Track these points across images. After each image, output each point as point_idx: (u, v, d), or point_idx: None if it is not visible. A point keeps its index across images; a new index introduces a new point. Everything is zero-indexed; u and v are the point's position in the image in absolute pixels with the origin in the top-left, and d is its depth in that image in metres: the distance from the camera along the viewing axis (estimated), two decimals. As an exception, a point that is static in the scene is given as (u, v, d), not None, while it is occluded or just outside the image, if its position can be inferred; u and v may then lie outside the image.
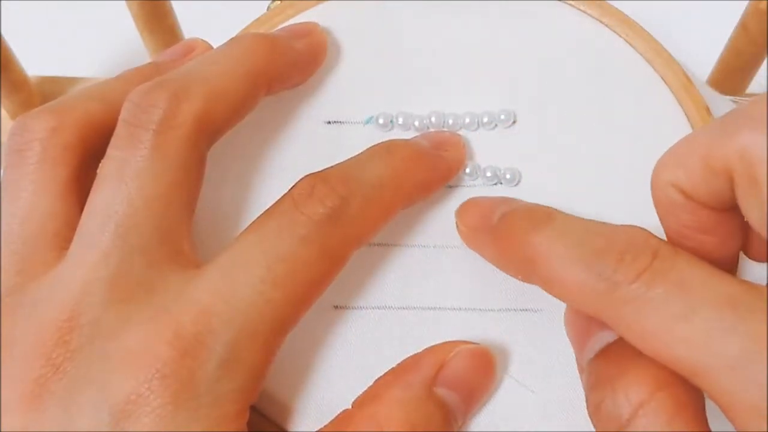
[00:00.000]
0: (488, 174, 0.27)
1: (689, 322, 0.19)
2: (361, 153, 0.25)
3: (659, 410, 0.19)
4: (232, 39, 0.27)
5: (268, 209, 0.23)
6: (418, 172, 0.25)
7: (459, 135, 0.27)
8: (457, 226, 0.26)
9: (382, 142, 0.26)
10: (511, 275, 0.24)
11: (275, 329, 0.22)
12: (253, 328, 0.21)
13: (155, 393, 0.20)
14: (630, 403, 0.20)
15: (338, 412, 0.23)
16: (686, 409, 0.20)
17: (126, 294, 0.22)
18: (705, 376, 0.19)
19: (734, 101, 0.31)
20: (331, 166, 0.24)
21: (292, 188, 0.23)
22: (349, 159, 0.25)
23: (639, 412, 0.20)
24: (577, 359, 0.22)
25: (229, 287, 0.21)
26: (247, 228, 0.23)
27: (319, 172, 0.24)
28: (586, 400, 0.21)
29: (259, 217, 0.23)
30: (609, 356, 0.21)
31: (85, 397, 0.20)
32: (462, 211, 0.25)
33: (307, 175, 0.24)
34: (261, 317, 0.21)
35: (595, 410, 0.21)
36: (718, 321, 0.18)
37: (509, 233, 0.23)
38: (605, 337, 0.21)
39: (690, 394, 0.20)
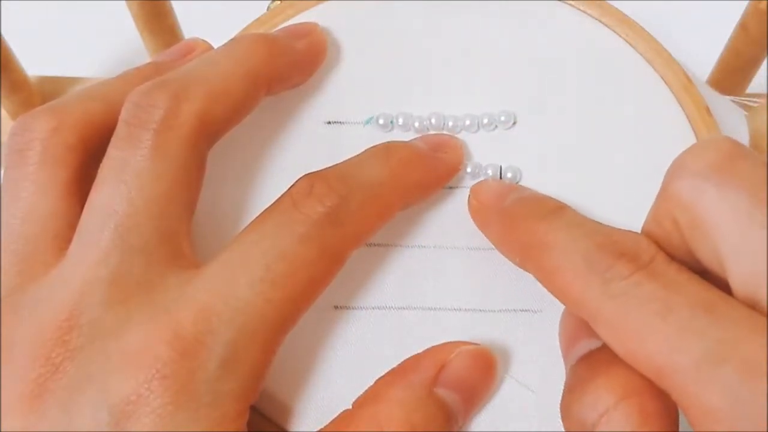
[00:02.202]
0: (489, 172, 0.27)
1: (665, 320, 0.19)
2: (360, 153, 0.25)
3: (624, 419, 0.20)
4: (232, 39, 0.27)
5: (267, 209, 0.23)
6: (417, 173, 0.25)
7: (457, 138, 0.27)
8: (469, 201, 0.26)
9: (381, 144, 0.26)
10: (508, 257, 0.24)
11: (275, 329, 0.22)
12: (252, 328, 0.21)
13: (155, 393, 0.20)
14: (596, 409, 0.20)
15: (338, 412, 0.23)
16: (653, 419, 0.20)
17: (126, 294, 0.22)
18: (671, 376, 0.19)
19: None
20: (330, 166, 0.24)
21: (290, 188, 0.23)
22: (348, 159, 0.25)
23: (603, 419, 0.20)
24: (564, 365, 0.23)
25: (229, 287, 0.21)
26: (246, 227, 0.23)
27: (317, 171, 0.24)
28: (560, 402, 0.22)
29: (258, 217, 0.23)
30: (587, 361, 0.22)
31: (85, 397, 0.20)
32: (478, 187, 0.26)
33: (306, 175, 0.24)
34: (261, 317, 0.21)
35: (565, 412, 0.21)
36: (691, 322, 0.19)
37: (517, 216, 0.23)
38: (589, 345, 0.22)
39: (660, 405, 0.20)
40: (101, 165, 0.23)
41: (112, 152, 0.23)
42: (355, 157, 0.25)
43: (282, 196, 0.23)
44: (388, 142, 0.26)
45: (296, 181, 0.23)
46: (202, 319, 0.21)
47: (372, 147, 0.25)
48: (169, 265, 0.22)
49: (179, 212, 0.23)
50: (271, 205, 0.23)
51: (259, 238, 0.22)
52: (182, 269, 0.22)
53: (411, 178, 0.25)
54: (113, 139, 0.24)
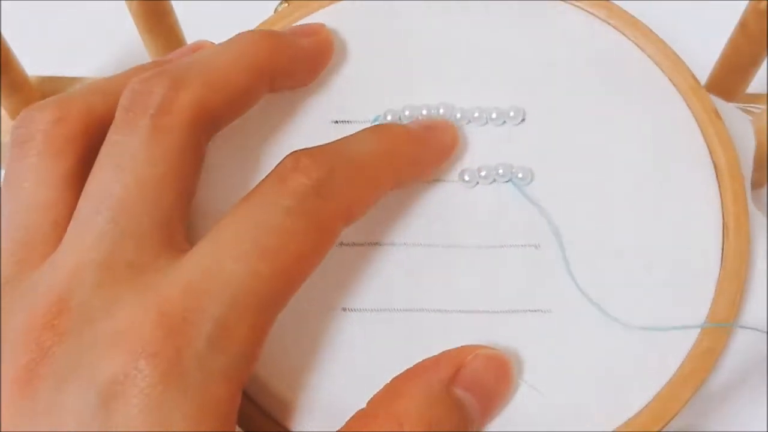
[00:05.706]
0: (500, 171, 0.26)
1: None
2: (351, 134, 0.25)
3: None
4: (236, 34, 0.26)
5: (255, 186, 0.23)
6: (408, 148, 0.25)
7: (450, 121, 0.27)
8: None
9: (372, 125, 0.26)
10: None
11: (265, 304, 0.21)
12: (242, 303, 0.21)
13: (143, 373, 0.20)
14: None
15: (343, 413, 0.22)
16: None
17: (116, 277, 0.21)
18: None
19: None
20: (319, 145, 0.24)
21: (277, 165, 0.23)
22: (338, 138, 0.25)
23: None
24: None
25: (216, 263, 0.21)
26: (233, 205, 0.23)
27: (305, 148, 0.23)
28: None
29: (245, 195, 0.23)
30: None
31: (74, 379, 0.20)
32: None
33: (293, 152, 0.23)
34: (249, 292, 0.21)
35: None
36: None
37: None
38: None
39: None
40: (100, 150, 0.23)
41: (111, 137, 0.23)
42: (345, 136, 0.25)
43: (269, 173, 0.23)
44: (381, 123, 0.26)
45: (283, 159, 0.23)
46: (190, 296, 0.20)
47: (364, 128, 0.25)
48: (160, 249, 0.22)
49: (174, 198, 0.23)
50: (259, 182, 0.23)
51: (246, 214, 0.22)
52: (174, 253, 0.22)
53: (402, 152, 0.25)
54: (112, 125, 0.23)
